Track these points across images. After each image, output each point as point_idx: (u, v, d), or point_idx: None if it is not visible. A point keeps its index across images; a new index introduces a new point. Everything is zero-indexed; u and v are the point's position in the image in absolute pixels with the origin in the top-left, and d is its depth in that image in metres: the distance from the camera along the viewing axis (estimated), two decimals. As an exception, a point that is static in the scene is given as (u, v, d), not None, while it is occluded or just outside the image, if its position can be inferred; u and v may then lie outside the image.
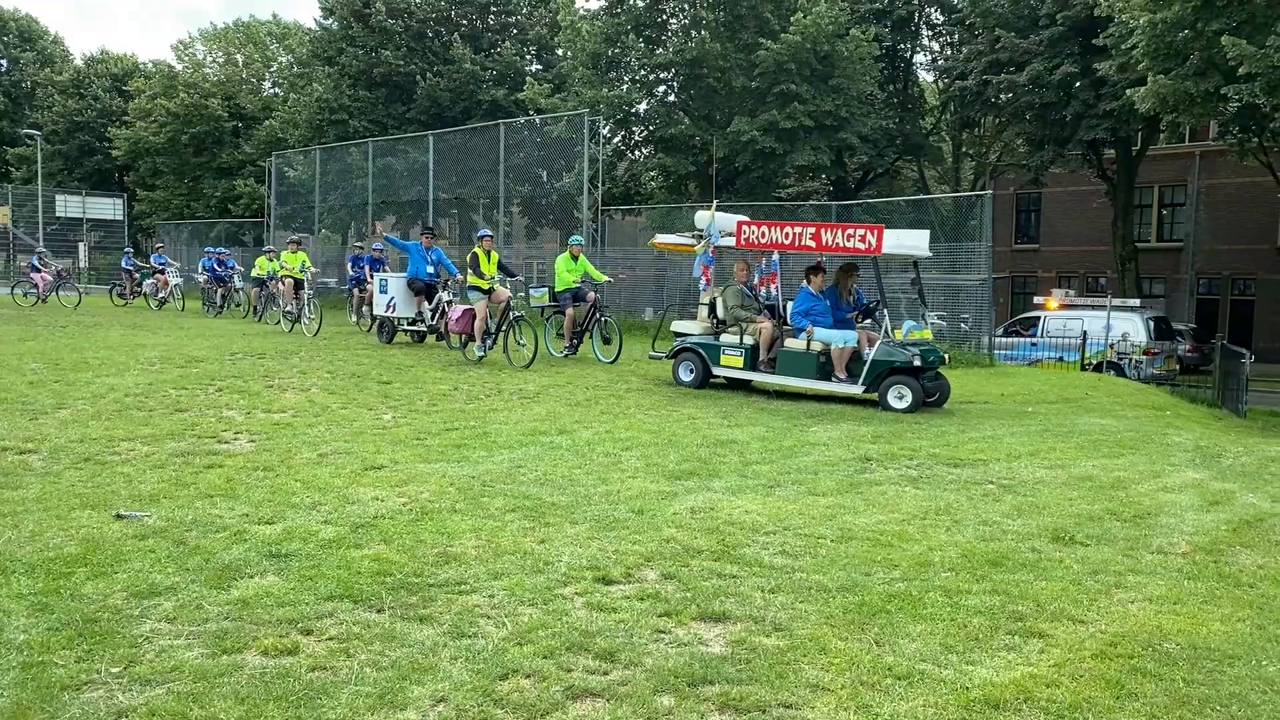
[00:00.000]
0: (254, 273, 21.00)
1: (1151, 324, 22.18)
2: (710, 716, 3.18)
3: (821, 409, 10.13)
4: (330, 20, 35.26)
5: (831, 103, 25.85)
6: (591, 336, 14.14)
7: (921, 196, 29.73)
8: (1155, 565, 4.91)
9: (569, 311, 13.96)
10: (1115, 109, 24.11)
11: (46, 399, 8.80)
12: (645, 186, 31.60)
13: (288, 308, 17.43)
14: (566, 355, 14.04)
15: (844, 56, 25.67)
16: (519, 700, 3.23)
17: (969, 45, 29.10)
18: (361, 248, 20.29)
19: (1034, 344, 21.83)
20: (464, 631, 3.77)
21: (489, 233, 13.93)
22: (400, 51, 33.07)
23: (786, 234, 11.01)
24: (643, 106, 28.61)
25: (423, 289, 15.00)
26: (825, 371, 10.71)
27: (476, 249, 13.29)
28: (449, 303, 14.51)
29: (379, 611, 3.97)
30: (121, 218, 44.83)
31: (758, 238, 11.23)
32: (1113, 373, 19.38)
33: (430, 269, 14.95)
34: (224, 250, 24.97)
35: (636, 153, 31.21)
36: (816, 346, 10.72)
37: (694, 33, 27.38)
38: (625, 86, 27.65)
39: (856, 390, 10.48)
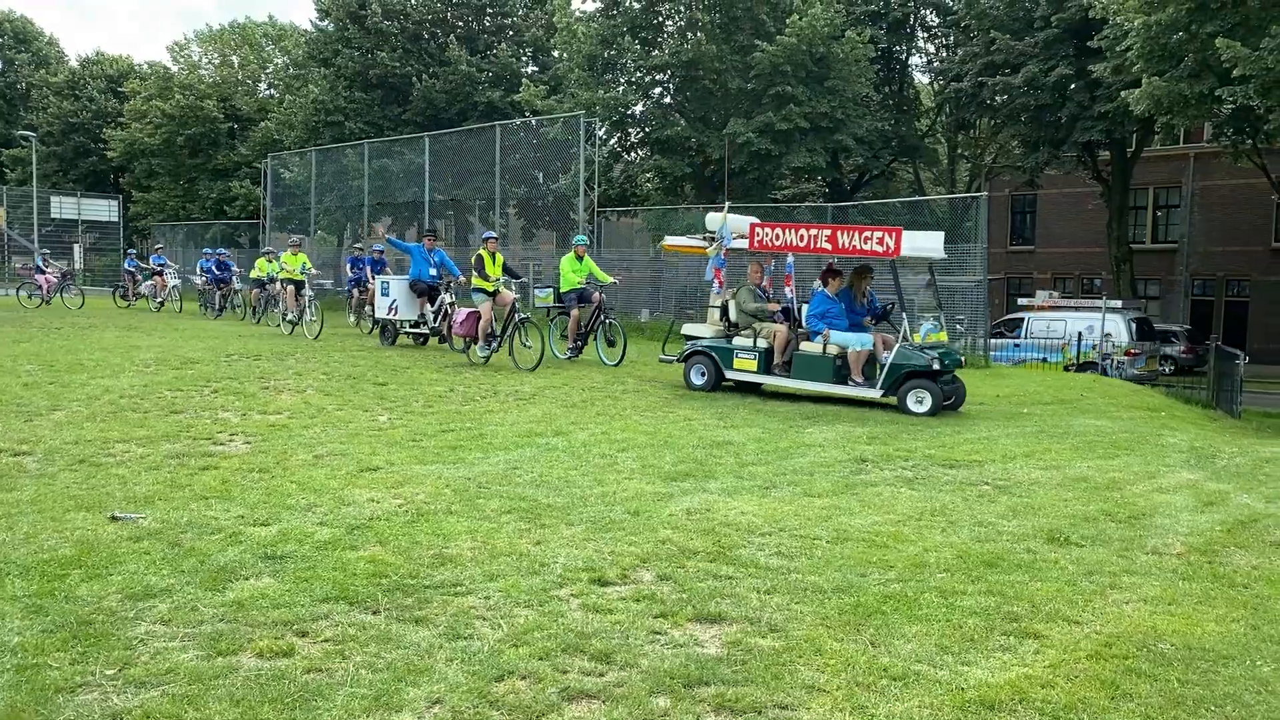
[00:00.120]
0: (253, 274, 20.94)
1: (1133, 325, 22.28)
2: (706, 717, 3.19)
3: (817, 410, 10.14)
4: (326, 22, 35.24)
5: (827, 104, 25.89)
6: (596, 338, 14.00)
7: (917, 198, 29.78)
8: (1150, 566, 4.92)
9: (574, 313, 13.85)
10: (1110, 111, 24.17)
11: (41, 401, 8.78)
12: (641, 188, 31.62)
13: (289, 315, 17.28)
14: (570, 357, 13.93)
15: (839, 58, 25.71)
16: (514, 702, 3.23)
17: (964, 47, 29.16)
18: (361, 249, 20.22)
19: (1017, 345, 21.93)
20: (460, 633, 3.77)
21: (494, 235, 13.86)
22: (396, 53, 33.06)
23: (801, 236, 10.85)
24: (638, 108, 28.62)
25: (425, 291, 14.93)
26: (841, 375, 10.60)
27: (481, 251, 13.20)
28: (451, 305, 14.46)
29: (374, 613, 3.96)
30: (117, 219, 44.74)
31: (772, 240, 11.07)
32: (1092, 372, 19.48)
33: (433, 271, 14.90)
34: (223, 251, 24.91)
35: (632, 154, 31.22)
36: (833, 350, 10.61)
37: (690, 35, 27.41)
38: (621, 88, 27.66)
39: (874, 394, 10.35)
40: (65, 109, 50.16)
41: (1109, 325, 21.66)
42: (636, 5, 27.85)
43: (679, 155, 27.80)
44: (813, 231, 10.87)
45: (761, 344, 11.12)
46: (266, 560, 4.54)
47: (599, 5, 28.06)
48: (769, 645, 3.74)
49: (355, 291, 19.22)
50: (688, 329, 12.19)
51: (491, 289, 12.92)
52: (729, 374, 11.32)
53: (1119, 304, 23.03)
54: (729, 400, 10.77)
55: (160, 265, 25.17)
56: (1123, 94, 21.00)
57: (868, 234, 10.38)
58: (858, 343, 10.56)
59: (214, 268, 23.29)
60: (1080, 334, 21.57)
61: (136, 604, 3.97)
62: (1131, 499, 6.38)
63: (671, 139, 27.22)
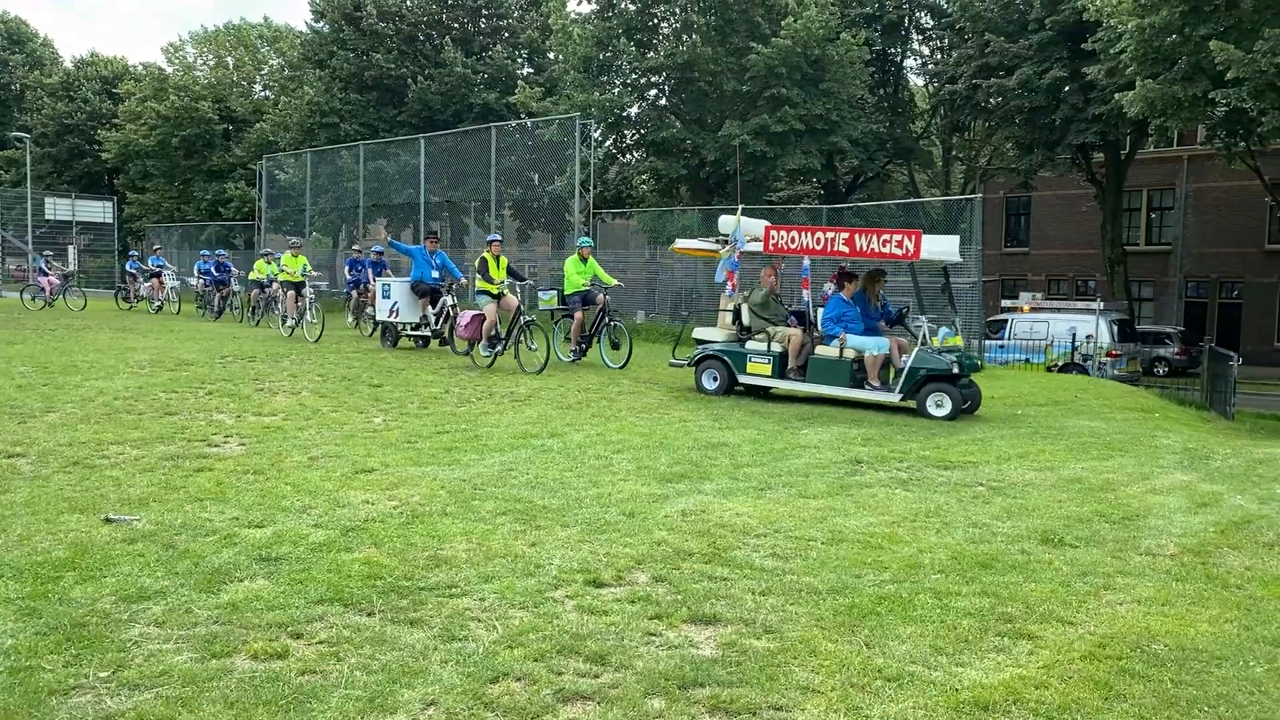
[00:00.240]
0: (251, 276, 20.89)
1: (1115, 326, 22.38)
2: (701, 719, 3.19)
3: (812, 412, 10.15)
4: (321, 23, 35.21)
5: (822, 106, 25.93)
6: (599, 341, 13.86)
7: (912, 200, 29.86)
8: (1143, 567, 4.94)
9: (577, 315, 13.73)
10: (1104, 113, 24.25)
11: (35, 402, 8.76)
12: (636, 190, 31.65)
13: (289, 320, 17.16)
14: (574, 360, 13.80)
15: (834, 60, 25.76)
16: (509, 703, 3.23)
17: (959, 49, 29.23)
18: (360, 251, 20.17)
19: (1002, 346, 22.02)
20: (454, 635, 3.77)
21: (499, 237, 13.78)
22: (391, 55, 33.05)
23: (818, 239, 10.68)
24: (634, 110, 28.65)
25: (427, 292, 14.86)
26: (858, 379, 10.50)
27: (486, 254, 13.11)
28: (453, 307, 14.40)
29: (369, 615, 3.96)
30: (111, 221, 44.64)
31: (787, 243, 10.90)
32: (1075, 373, 19.59)
33: (435, 273, 14.85)
34: (222, 253, 24.86)
35: (628, 156, 31.25)
36: (850, 354, 10.52)
37: (685, 37, 27.43)
38: (616, 90, 27.69)
39: (893, 398, 10.28)
40: (60, 110, 50.07)
41: (1091, 327, 21.78)
42: (632, 7, 27.88)
43: (674, 157, 27.83)
44: (829, 234, 10.68)
45: (776, 348, 10.97)
46: (261, 562, 4.53)
47: (594, 7, 28.11)
48: (764, 646, 3.74)
49: (354, 293, 19.17)
50: (698, 333, 12.05)
51: (496, 291, 12.83)
52: (742, 378, 11.17)
53: (1100, 305, 23.15)
54: (725, 402, 10.77)
55: (159, 267, 25.10)
56: (1117, 96, 21.07)
57: (886, 237, 10.24)
58: (875, 347, 10.46)
59: (213, 269, 23.23)
60: (1062, 335, 21.72)
61: (130, 606, 3.97)
62: (1125, 500, 6.40)
63: (667, 141, 27.25)
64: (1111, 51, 21.31)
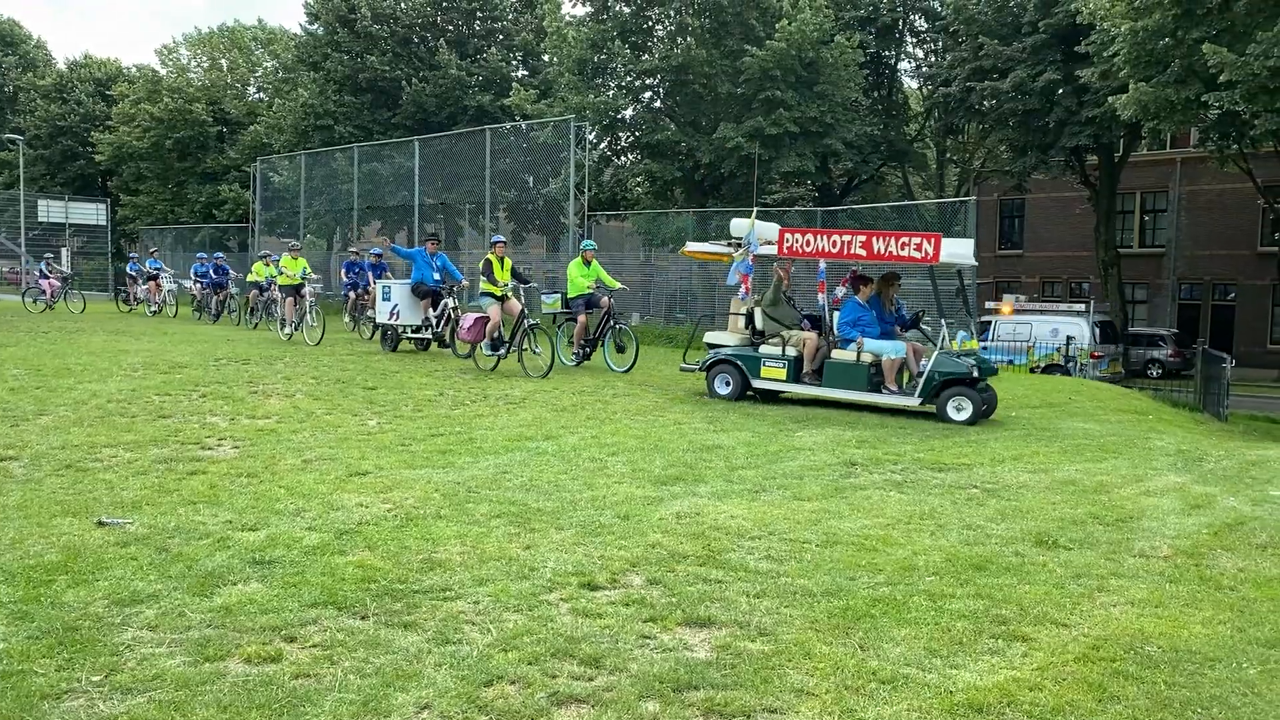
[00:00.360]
0: (250, 278, 20.82)
1: (1097, 328, 22.47)
2: (695, 722, 3.19)
3: (806, 414, 10.15)
4: (315, 25, 35.21)
5: (816, 109, 25.98)
6: (604, 344, 13.74)
7: (906, 202, 29.95)
8: (1137, 569, 4.95)
9: (580, 319, 13.65)
10: (1097, 116, 24.34)
11: (28, 405, 8.73)
12: (631, 192, 31.67)
13: (288, 324, 17.07)
14: (577, 363, 13.71)
15: (829, 63, 25.81)
16: (504, 707, 3.22)
17: (953, 52, 29.32)
18: (357, 253, 20.10)
19: (985, 347, 22.09)
20: (449, 638, 3.76)
21: (503, 239, 13.69)
22: (386, 57, 33.04)
23: (834, 242, 10.53)
24: (629, 112, 28.66)
25: (428, 294, 14.80)
26: (875, 384, 10.41)
27: (490, 256, 13.03)
28: (455, 309, 14.36)
29: (363, 618, 3.95)
30: (105, 223, 44.53)
31: (802, 246, 10.76)
32: (1057, 374, 19.68)
33: (435, 275, 14.81)
34: (220, 256, 24.80)
35: (622, 159, 31.26)
36: (866, 358, 10.42)
37: (680, 39, 27.47)
38: (611, 92, 27.70)
39: (912, 402, 10.20)
40: (53, 112, 49.97)
41: (1073, 328, 21.88)
42: (626, 10, 27.91)
43: (669, 159, 27.85)
44: (845, 237, 10.52)
45: (791, 352, 10.85)
46: (254, 565, 4.52)
47: (589, 10, 28.12)
48: (758, 649, 3.74)
49: (351, 295, 19.10)
50: (710, 337, 11.93)
51: (499, 293, 12.76)
52: (756, 383, 11.01)
53: (1082, 307, 23.25)
54: (719, 404, 10.77)
55: (156, 269, 25.03)
56: (1110, 99, 21.15)
57: (905, 240, 10.12)
58: (892, 350, 10.39)
59: (211, 272, 23.16)
60: (1045, 337, 21.82)
61: (123, 609, 3.95)
62: (1119, 502, 6.41)
63: (661, 143, 27.27)
64: (1105, 54, 21.39)
